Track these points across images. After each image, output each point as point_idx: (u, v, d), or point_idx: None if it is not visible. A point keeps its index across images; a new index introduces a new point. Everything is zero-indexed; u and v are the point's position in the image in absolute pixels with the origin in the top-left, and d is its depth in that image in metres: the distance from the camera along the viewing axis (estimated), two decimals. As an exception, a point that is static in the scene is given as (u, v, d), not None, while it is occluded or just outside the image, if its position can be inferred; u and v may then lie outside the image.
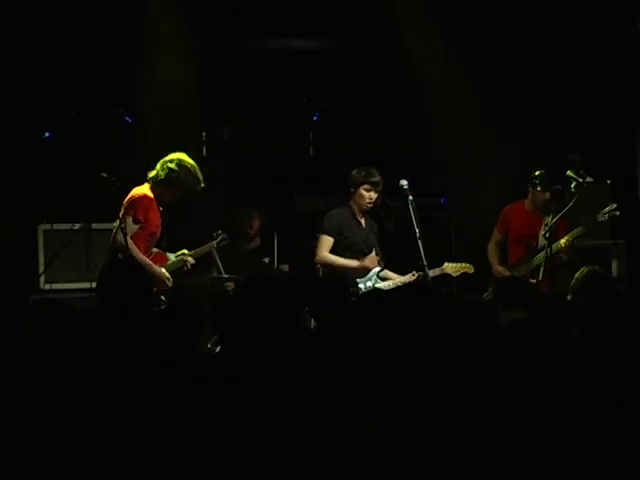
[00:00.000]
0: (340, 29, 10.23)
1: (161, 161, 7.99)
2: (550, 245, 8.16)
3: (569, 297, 6.85)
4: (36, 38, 9.58)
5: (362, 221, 8.43)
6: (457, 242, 9.97)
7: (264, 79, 10.36)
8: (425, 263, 8.03)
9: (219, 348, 5.27)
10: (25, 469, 3.55)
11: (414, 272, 8.22)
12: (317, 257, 8.32)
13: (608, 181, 9.69)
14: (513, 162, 9.57)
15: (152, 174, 7.96)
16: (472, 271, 8.48)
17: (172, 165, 7.91)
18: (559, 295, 6.27)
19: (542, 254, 8.32)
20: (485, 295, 8.51)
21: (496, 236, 8.99)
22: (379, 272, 8.32)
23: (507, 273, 8.61)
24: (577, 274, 6.96)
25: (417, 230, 8.03)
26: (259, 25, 10.21)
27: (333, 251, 8.29)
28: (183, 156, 8.01)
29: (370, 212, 8.47)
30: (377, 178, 8.30)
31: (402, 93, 10.29)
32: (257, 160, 10.40)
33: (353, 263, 8.25)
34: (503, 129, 10.00)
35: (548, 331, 5.22)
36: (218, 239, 8.53)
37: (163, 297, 7.93)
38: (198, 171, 8.00)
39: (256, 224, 9.46)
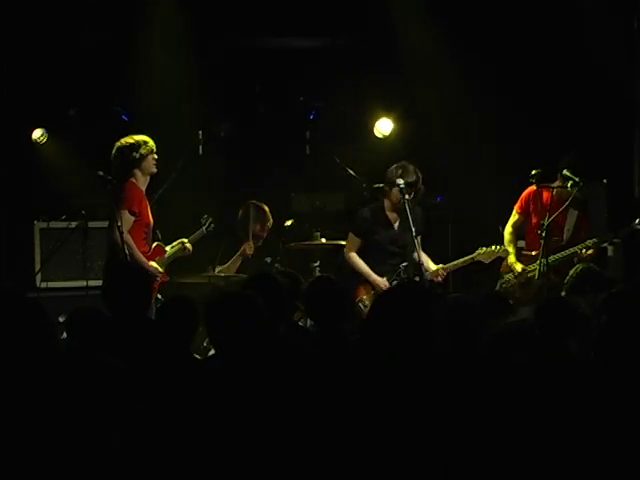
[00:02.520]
0: (338, 28, 10.22)
1: None
2: (546, 244, 8.11)
3: (563, 294, 6.86)
4: (35, 37, 9.56)
5: (395, 220, 8.28)
6: (454, 241, 9.98)
7: (261, 78, 10.36)
8: (422, 262, 8.02)
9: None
10: (24, 469, 3.54)
11: (442, 269, 8.15)
12: (345, 255, 8.35)
13: (604, 180, 9.70)
14: (511, 161, 9.57)
15: (114, 175, 7.96)
16: (507, 255, 8.36)
17: (116, 157, 7.95)
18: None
19: (560, 255, 8.24)
20: (500, 286, 8.45)
21: (515, 218, 8.66)
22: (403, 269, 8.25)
23: (519, 269, 8.45)
24: (571, 271, 6.97)
25: (413, 229, 8.02)
26: (257, 24, 10.20)
27: (363, 250, 8.24)
28: (118, 142, 8.03)
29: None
30: (413, 178, 8.14)
31: (401, 93, 10.28)
32: (254, 158, 10.41)
33: (371, 276, 8.13)
34: (502, 129, 10.00)
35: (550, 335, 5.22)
36: (206, 224, 8.60)
37: (159, 296, 7.95)
38: (137, 139, 7.99)
39: (268, 224, 9.34)
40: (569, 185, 8.25)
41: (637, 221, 8.31)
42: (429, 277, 8.11)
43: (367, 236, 8.24)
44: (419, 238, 8.12)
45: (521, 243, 8.72)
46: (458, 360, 4.92)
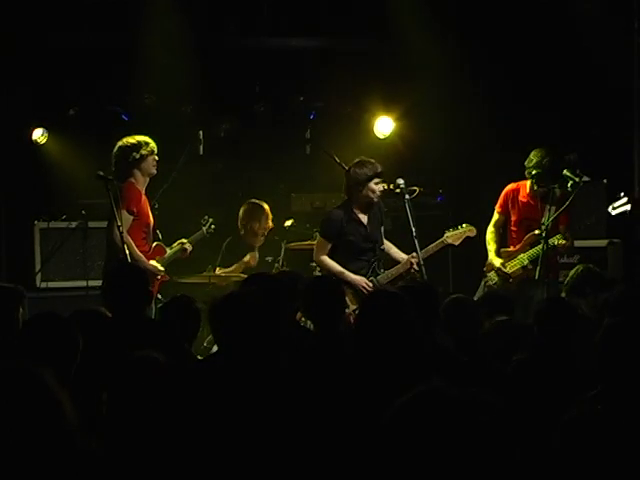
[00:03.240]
0: (338, 28, 10.22)
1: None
2: (547, 245, 8.14)
3: (563, 294, 6.86)
4: (35, 37, 9.56)
5: (364, 218, 8.25)
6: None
7: (261, 78, 10.36)
8: (422, 262, 8.01)
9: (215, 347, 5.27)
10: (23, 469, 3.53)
11: (413, 254, 8.11)
12: (315, 259, 8.21)
13: (605, 180, 9.71)
14: (511, 161, 9.55)
15: (114, 174, 7.96)
16: (474, 233, 8.37)
17: (116, 156, 7.96)
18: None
19: (538, 248, 8.27)
20: (483, 283, 8.48)
21: (496, 218, 8.74)
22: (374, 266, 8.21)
23: (498, 264, 8.49)
24: (572, 272, 6.97)
25: (413, 229, 8.02)
26: (257, 24, 10.20)
27: (334, 252, 8.11)
28: (120, 142, 8.03)
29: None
30: (381, 168, 8.16)
31: (402, 93, 10.28)
32: (254, 159, 10.40)
33: (347, 276, 7.94)
34: (502, 129, 10.00)
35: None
36: (207, 225, 8.63)
37: (160, 296, 7.95)
38: (139, 139, 8.00)
39: (268, 223, 9.32)
40: (569, 185, 8.26)
41: (610, 207, 8.41)
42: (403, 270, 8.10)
43: (340, 239, 8.10)
44: (416, 240, 8.10)
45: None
46: (459, 359, 4.93)
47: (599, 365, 4.16)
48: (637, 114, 9.67)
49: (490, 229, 8.73)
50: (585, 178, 8.46)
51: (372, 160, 8.21)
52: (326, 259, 8.08)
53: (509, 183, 8.86)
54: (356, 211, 8.19)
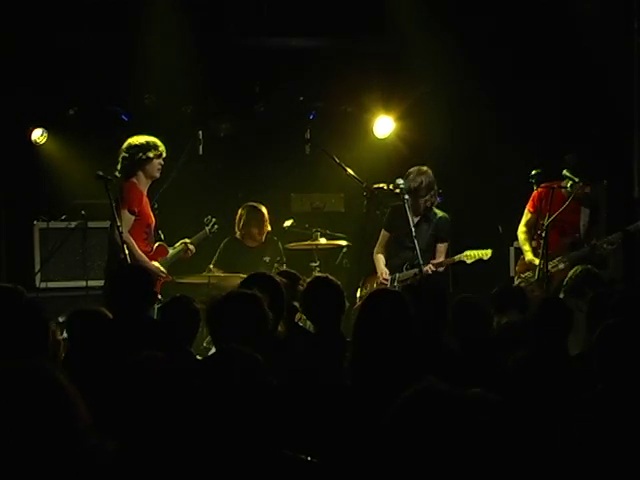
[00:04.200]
0: (338, 28, 10.21)
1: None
2: (546, 246, 8.11)
3: (561, 295, 6.86)
4: (35, 37, 9.56)
5: (413, 220, 8.30)
6: (454, 241, 9.96)
7: (261, 78, 10.35)
8: (422, 262, 8.02)
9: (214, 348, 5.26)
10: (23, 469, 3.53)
11: (431, 265, 8.29)
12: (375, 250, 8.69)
13: (605, 181, 9.70)
14: (511, 161, 9.56)
15: (118, 171, 7.98)
16: (488, 257, 8.38)
17: (124, 153, 7.96)
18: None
19: (580, 251, 8.25)
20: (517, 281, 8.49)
21: (527, 217, 8.68)
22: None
23: (535, 263, 8.43)
24: (570, 273, 6.96)
25: (413, 229, 8.02)
26: (257, 24, 10.19)
27: (389, 244, 8.61)
28: (131, 139, 8.04)
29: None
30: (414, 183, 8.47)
31: (402, 93, 10.28)
32: (254, 159, 10.41)
33: (377, 267, 8.57)
34: (502, 129, 9.99)
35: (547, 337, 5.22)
36: (209, 225, 8.64)
37: (160, 296, 7.95)
38: (149, 140, 8.02)
39: (266, 227, 9.31)
40: (569, 185, 8.26)
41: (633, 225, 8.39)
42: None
43: (392, 231, 8.55)
44: (416, 240, 8.11)
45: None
46: (463, 360, 4.93)
47: (598, 365, 4.16)
48: (637, 114, 9.67)
49: (522, 229, 8.66)
50: (585, 178, 8.44)
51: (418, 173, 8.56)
52: (376, 250, 8.66)
53: (509, 182, 8.87)
54: (408, 210, 8.27)
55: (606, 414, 3.09)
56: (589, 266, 7.13)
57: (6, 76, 9.47)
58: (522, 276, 8.51)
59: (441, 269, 8.43)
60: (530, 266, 8.47)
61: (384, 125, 10.21)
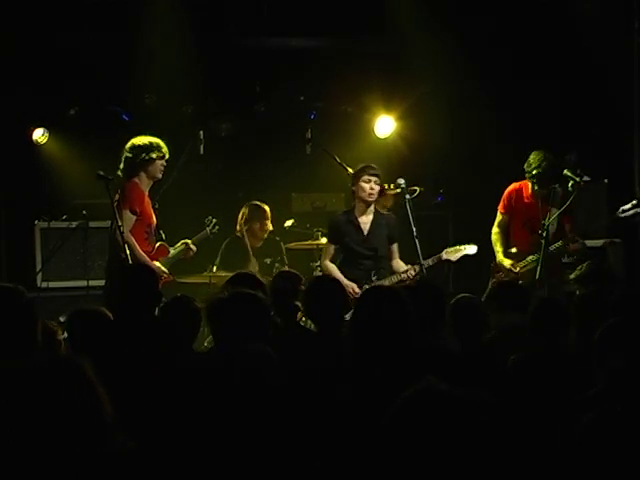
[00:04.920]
0: (338, 28, 10.22)
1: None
2: (547, 246, 8.13)
3: (570, 289, 6.85)
4: (35, 37, 9.56)
5: (364, 223, 8.24)
6: (454, 241, 9.96)
7: (261, 78, 10.36)
8: (423, 262, 8.02)
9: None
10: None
11: (415, 267, 8.13)
12: (321, 263, 8.38)
13: (605, 180, 9.70)
14: (511, 161, 9.56)
15: (121, 170, 7.98)
16: (474, 251, 8.34)
17: (127, 153, 7.97)
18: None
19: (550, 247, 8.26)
20: (491, 285, 8.44)
21: (500, 218, 8.75)
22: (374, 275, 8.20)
23: (508, 265, 8.47)
24: (581, 266, 6.96)
25: (414, 229, 8.02)
26: (257, 24, 10.20)
27: (340, 256, 8.22)
28: (134, 139, 8.04)
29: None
30: (375, 170, 8.16)
31: (402, 92, 10.28)
32: (254, 158, 10.41)
33: (344, 281, 7.67)
34: (502, 129, 10.00)
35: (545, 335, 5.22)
36: (210, 225, 8.65)
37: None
38: (152, 141, 8.02)
39: (268, 226, 9.31)
40: (569, 185, 8.27)
41: (620, 210, 8.39)
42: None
43: (340, 242, 8.20)
44: (417, 240, 8.09)
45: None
46: (461, 359, 4.93)
47: (598, 364, 4.16)
48: (637, 114, 9.67)
49: (495, 230, 8.73)
50: (586, 178, 8.46)
51: (369, 164, 8.24)
52: (327, 264, 8.18)
53: (509, 183, 8.86)
54: (356, 214, 8.22)
55: (606, 414, 3.09)
56: (599, 262, 7.14)
57: (6, 76, 9.47)
58: (496, 276, 8.54)
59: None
60: (501, 267, 8.52)
61: (385, 125, 10.22)
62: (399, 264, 8.25)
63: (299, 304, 6.01)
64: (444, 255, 8.23)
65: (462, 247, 8.32)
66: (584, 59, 9.82)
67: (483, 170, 10.09)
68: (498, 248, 8.65)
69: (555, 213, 8.27)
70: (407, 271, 8.09)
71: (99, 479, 2.89)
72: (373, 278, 8.07)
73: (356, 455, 3.80)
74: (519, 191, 8.65)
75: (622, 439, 2.82)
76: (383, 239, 8.22)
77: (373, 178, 8.11)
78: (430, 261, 8.15)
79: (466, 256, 8.32)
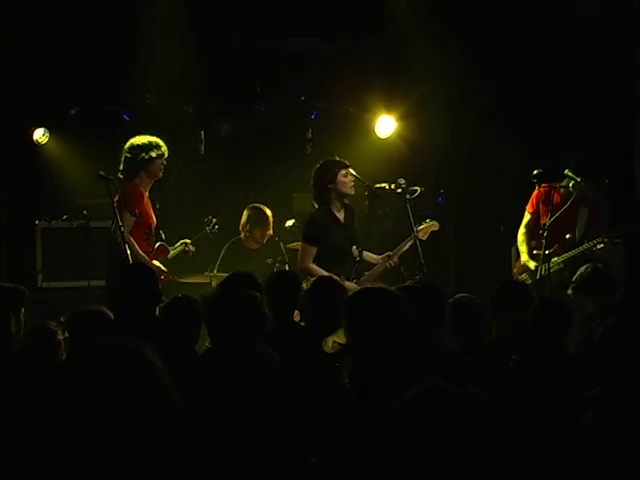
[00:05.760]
0: (338, 28, 10.23)
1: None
2: (547, 246, 8.11)
3: (569, 292, 6.85)
4: (35, 37, 9.57)
5: (341, 217, 8.20)
6: (455, 241, 9.97)
7: (262, 77, 10.36)
8: (423, 262, 8.02)
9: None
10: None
11: (388, 253, 8.09)
12: (300, 267, 8.04)
13: (606, 180, 9.70)
14: (511, 161, 9.57)
15: (121, 171, 8.00)
16: (437, 227, 8.33)
17: (126, 153, 7.98)
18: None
19: (575, 251, 8.22)
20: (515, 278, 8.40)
21: (527, 218, 8.57)
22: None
23: (532, 266, 8.38)
24: (581, 269, 6.94)
25: (414, 229, 8.02)
26: (257, 24, 10.21)
27: (318, 256, 8.03)
28: (133, 139, 8.05)
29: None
30: (344, 161, 8.16)
31: (402, 92, 10.29)
32: (255, 158, 10.41)
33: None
34: (502, 129, 10.00)
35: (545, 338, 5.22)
36: (210, 225, 8.67)
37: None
38: (152, 140, 8.03)
39: (269, 231, 9.29)
40: (570, 185, 8.26)
41: None
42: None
43: (322, 243, 8.05)
44: (417, 240, 8.09)
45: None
46: (460, 359, 4.94)
47: (598, 365, 4.17)
48: (638, 113, 9.68)
49: (522, 230, 8.58)
50: (586, 178, 8.44)
51: (334, 157, 8.24)
52: (313, 267, 7.95)
53: (509, 182, 8.86)
54: (334, 211, 8.18)
55: (606, 414, 3.09)
56: (599, 264, 7.12)
57: (6, 76, 9.48)
58: (519, 278, 8.50)
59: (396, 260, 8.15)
60: (526, 268, 8.47)
61: (386, 125, 10.22)
62: (368, 255, 8.18)
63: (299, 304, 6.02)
64: (417, 234, 8.06)
65: (427, 224, 8.28)
66: (584, 59, 9.82)
67: (483, 170, 10.09)
68: (523, 249, 8.50)
69: (582, 214, 8.22)
70: (388, 264, 8.05)
71: (98, 479, 2.91)
72: (361, 273, 8.06)
73: (356, 455, 3.80)
74: (549, 193, 8.43)
75: (622, 439, 2.83)
76: (353, 229, 8.19)
77: (349, 170, 8.08)
78: (403, 244, 8.10)
79: (433, 233, 8.28)
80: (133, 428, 2.94)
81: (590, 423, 2.84)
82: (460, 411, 2.57)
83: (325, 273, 7.66)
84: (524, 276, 8.47)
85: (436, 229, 8.36)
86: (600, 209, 8.37)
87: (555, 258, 8.27)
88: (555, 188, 8.36)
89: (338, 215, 8.19)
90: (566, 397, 4.27)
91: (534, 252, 8.47)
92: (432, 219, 8.36)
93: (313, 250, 8.04)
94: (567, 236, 8.22)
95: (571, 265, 8.05)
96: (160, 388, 3.00)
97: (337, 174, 8.09)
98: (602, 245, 8.22)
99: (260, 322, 4.74)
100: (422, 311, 4.89)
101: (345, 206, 8.23)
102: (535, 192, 8.56)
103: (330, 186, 8.13)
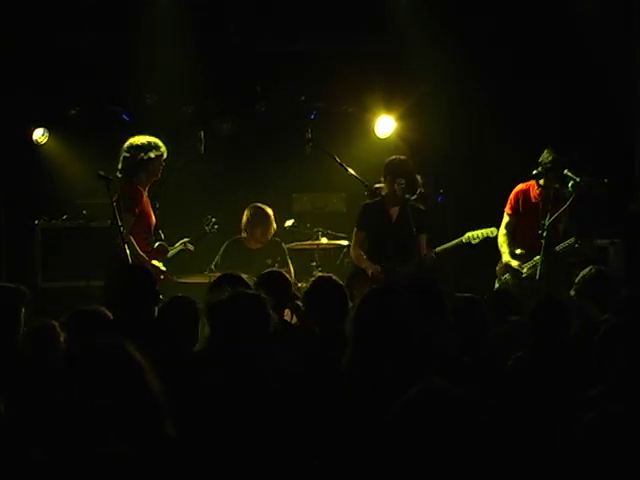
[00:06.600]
0: (338, 28, 10.23)
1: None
2: (547, 245, 8.11)
3: (572, 292, 6.85)
4: (35, 37, 9.57)
5: (394, 214, 8.32)
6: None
7: (262, 78, 10.36)
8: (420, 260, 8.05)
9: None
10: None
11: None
12: (350, 251, 8.52)
13: (605, 180, 9.69)
14: (511, 161, 9.57)
15: (119, 171, 8.00)
16: (495, 234, 8.47)
17: (125, 153, 7.98)
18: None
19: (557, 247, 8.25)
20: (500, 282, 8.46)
21: (507, 220, 8.63)
22: None
23: (515, 265, 8.43)
24: (584, 271, 6.93)
25: (414, 229, 8.03)
26: (257, 24, 10.21)
27: (364, 243, 8.38)
28: (132, 139, 8.05)
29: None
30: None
31: (402, 92, 10.29)
32: (255, 158, 10.41)
33: (369, 269, 8.21)
34: (502, 129, 10.00)
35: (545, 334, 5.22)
36: (210, 225, 8.66)
37: (160, 296, 7.94)
38: (151, 140, 8.03)
39: (271, 230, 9.28)
40: (570, 185, 8.25)
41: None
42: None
43: (367, 230, 8.33)
44: (421, 236, 8.12)
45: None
46: (461, 359, 4.93)
47: (598, 365, 4.17)
48: (638, 113, 9.69)
49: (502, 231, 8.61)
50: (586, 178, 8.44)
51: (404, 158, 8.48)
52: (357, 251, 8.37)
53: (509, 182, 8.85)
54: (386, 206, 8.29)
55: (606, 414, 3.09)
56: (602, 267, 7.10)
57: (6, 76, 9.48)
58: (502, 278, 8.51)
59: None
60: (508, 268, 8.49)
61: (385, 125, 10.22)
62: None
63: (299, 304, 6.02)
64: (465, 240, 8.40)
65: (485, 232, 8.45)
66: (584, 59, 9.83)
67: (483, 170, 10.09)
68: (505, 249, 8.54)
69: (558, 213, 8.23)
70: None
71: (99, 478, 2.91)
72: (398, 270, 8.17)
73: (357, 453, 3.80)
74: (526, 192, 8.51)
75: (622, 439, 2.83)
76: (409, 229, 8.25)
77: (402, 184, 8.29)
78: (450, 245, 8.43)
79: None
80: (119, 427, 2.93)
81: (590, 423, 2.84)
82: (459, 411, 2.57)
83: (360, 257, 8.28)
84: (507, 276, 8.48)
85: (492, 235, 8.53)
86: (577, 205, 8.32)
87: (537, 257, 8.26)
88: (533, 186, 8.39)
89: (390, 211, 8.35)
90: (566, 397, 4.27)
91: (517, 251, 8.51)
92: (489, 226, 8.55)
93: (359, 235, 8.41)
94: (541, 232, 8.21)
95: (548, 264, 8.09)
96: (142, 385, 3.00)
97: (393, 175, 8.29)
98: (577, 245, 8.25)
99: (262, 322, 4.73)
100: (422, 310, 4.88)
101: (397, 203, 8.34)
102: (512, 193, 8.62)
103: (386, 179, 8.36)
